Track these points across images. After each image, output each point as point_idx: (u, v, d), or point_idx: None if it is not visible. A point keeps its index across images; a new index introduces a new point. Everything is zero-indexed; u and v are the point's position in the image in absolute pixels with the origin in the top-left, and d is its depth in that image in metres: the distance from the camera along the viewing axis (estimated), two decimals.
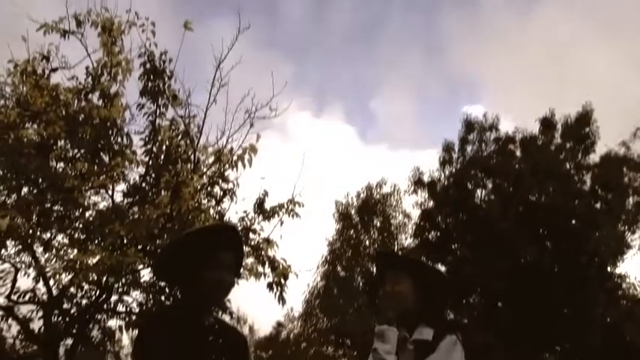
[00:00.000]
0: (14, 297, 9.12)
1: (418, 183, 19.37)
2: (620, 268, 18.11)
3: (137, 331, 1.84)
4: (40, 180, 8.20)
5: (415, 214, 19.68)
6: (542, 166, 17.68)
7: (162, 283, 10.22)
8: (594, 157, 18.72)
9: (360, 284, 18.62)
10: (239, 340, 2.04)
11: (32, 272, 8.63)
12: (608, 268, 18.27)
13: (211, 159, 8.43)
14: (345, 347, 18.40)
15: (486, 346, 14.33)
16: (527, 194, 17.74)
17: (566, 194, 17.12)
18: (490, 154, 19.09)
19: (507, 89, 51.31)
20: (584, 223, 16.48)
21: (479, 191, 18.83)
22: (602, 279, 17.29)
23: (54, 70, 8.70)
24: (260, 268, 8.03)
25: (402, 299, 2.20)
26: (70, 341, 10.57)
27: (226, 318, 9.46)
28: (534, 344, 16.10)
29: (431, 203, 19.00)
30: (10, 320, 10.13)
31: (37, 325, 10.38)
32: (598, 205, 18.06)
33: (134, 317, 9.11)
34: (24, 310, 10.08)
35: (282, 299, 7.88)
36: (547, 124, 19.11)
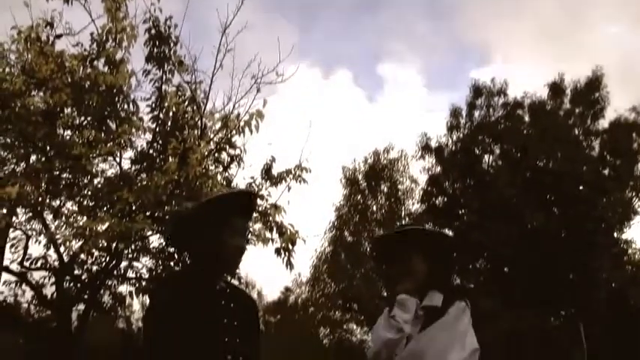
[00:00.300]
0: (26, 263, 9.27)
1: (426, 148, 19.29)
2: (627, 234, 18.12)
3: (151, 297, 1.82)
4: (48, 148, 8.23)
5: (422, 179, 19.68)
6: (551, 132, 17.54)
7: (172, 249, 10.37)
8: (603, 123, 18.54)
9: (367, 249, 18.75)
10: (250, 304, 2.06)
11: (43, 239, 8.74)
12: (615, 234, 18.29)
13: (218, 125, 8.41)
14: (352, 311, 18.62)
15: (492, 311, 14.47)
16: (534, 160, 17.65)
17: (574, 160, 17.01)
18: (498, 120, 18.94)
19: (516, 54, 50.56)
20: (592, 189, 16.42)
21: (486, 157, 18.76)
22: (609, 245, 17.33)
23: (58, 36, 8.63)
24: (268, 234, 8.09)
25: (416, 274, 2.19)
26: (82, 307, 10.80)
27: (235, 283, 9.58)
28: (540, 309, 16.24)
29: (438, 169, 18.96)
30: (23, 286, 10.34)
31: (49, 290, 10.58)
32: (606, 172, 17.96)
33: (144, 283, 9.24)
34: (36, 276, 10.26)
35: (289, 264, 7.96)
36: (556, 89, 18.87)
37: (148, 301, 1.91)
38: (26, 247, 9.30)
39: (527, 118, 19.33)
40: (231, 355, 1.83)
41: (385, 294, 17.53)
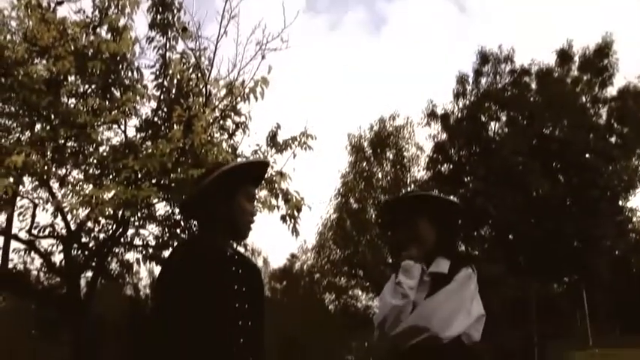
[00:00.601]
0: (34, 231, 9.36)
1: (431, 115, 19.16)
2: (632, 202, 18.09)
3: (165, 263, 1.82)
4: (53, 116, 8.21)
5: (428, 146, 19.58)
6: (558, 99, 17.35)
7: (181, 216, 10.44)
8: (612, 91, 18.30)
9: (373, 216, 18.80)
10: (255, 270, 2.08)
11: (50, 207, 8.80)
12: (620, 202, 18.27)
13: (223, 92, 8.33)
14: (357, 278, 18.79)
15: (496, 278, 14.58)
16: (541, 127, 17.52)
17: (581, 128, 16.87)
18: (505, 87, 18.73)
19: (524, 20, 49.74)
20: (598, 156, 16.33)
21: (492, 124, 18.62)
22: (613, 213, 17.33)
23: (59, 3, 8.52)
24: (273, 201, 8.11)
25: (423, 241, 2.20)
26: (90, 274, 10.95)
27: (240, 250, 9.67)
28: (543, 276, 16.35)
29: (444, 136, 18.86)
30: (32, 254, 10.47)
31: (58, 258, 10.72)
32: (613, 140, 17.83)
33: (151, 250, 9.33)
34: (45, 244, 10.38)
35: (295, 231, 8.01)
36: (564, 56, 18.58)
37: (160, 267, 1.92)
38: (34, 216, 9.38)
39: (534, 86, 19.12)
40: (242, 320, 1.85)
41: (390, 260, 17.67)
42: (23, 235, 9.59)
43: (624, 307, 16.70)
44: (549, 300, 15.45)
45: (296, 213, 7.92)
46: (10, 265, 10.37)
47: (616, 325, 15.96)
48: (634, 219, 19.21)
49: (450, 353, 2.03)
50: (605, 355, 11.24)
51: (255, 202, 2.07)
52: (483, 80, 18.92)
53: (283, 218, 8.04)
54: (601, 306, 15.76)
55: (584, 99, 18.43)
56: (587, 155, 16.55)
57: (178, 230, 9.98)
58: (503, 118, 18.88)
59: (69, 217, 8.58)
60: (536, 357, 12.96)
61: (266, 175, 8.15)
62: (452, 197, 2.40)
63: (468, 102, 18.82)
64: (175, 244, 8.62)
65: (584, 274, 16.44)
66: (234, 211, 1.94)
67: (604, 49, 17.96)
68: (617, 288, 16.35)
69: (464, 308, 2.05)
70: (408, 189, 18.05)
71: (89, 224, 9.16)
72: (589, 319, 13.77)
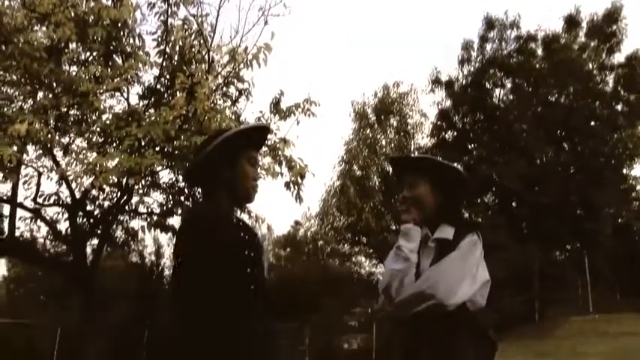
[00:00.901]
0: (40, 200, 9.42)
1: (436, 82, 19.00)
2: (636, 170, 18.04)
3: (186, 231, 1.83)
4: (54, 84, 8.16)
5: (432, 113, 19.42)
6: (564, 66, 17.15)
7: (186, 184, 10.47)
8: (619, 57, 18.05)
9: (376, 183, 18.81)
10: (258, 238, 2.09)
11: (54, 176, 8.83)
12: (624, 170, 18.23)
13: (226, 59, 8.27)
14: (361, 245, 18.91)
15: (499, 245, 14.67)
16: (546, 95, 17.36)
17: (587, 95, 16.73)
18: (510, 53, 18.51)
19: None
20: (603, 124, 16.22)
21: (497, 91, 18.47)
22: (617, 181, 17.30)
23: None
24: (277, 168, 8.12)
25: (422, 203, 2.17)
26: (95, 241, 11.06)
27: (244, 217, 9.75)
28: (546, 243, 16.44)
29: (448, 103, 18.74)
30: (38, 222, 10.56)
31: (63, 226, 10.82)
32: (619, 107, 17.68)
33: (155, 218, 9.39)
34: (50, 212, 10.47)
35: (299, 198, 8.04)
36: (571, 22, 18.28)
37: (177, 236, 1.92)
38: (38, 184, 9.42)
39: (540, 52, 18.88)
40: (254, 285, 1.88)
41: (393, 227, 17.75)
42: (29, 203, 9.67)
43: (625, 274, 16.82)
44: (551, 267, 15.56)
45: (299, 180, 7.94)
46: (17, 234, 10.48)
47: (616, 292, 16.08)
48: (638, 187, 19.21)
49: (455, 320, 2.05)
50: (605, 321, 11.37)
51: (259, 167, 2.07)
52: (489, 47, 18.70)
53: (287, 185, 8.06)
54: (602, 273, 15.86)
55: (590, 66, 18.20)
56: (592, 123, 16.44)
57: (182, 198, 10.03)
58: (509, 85, 18.71)
59: (73, 185, 8.61)
60: (537, 322, 13.11)
61: (269, 142, 8.16)
62: (455, 164, 2.39)
63: (472, 69, 18.64)
64: (180, 211, 8.65)
65: (586, 242, 16.51)
66: (238, 176, 1.95)
67: (613, 15, 17.64)
68: (619, 255, 16.44)
69: (469, 275, 2.05)
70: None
71: (94, 192, 9.21)
72: (590, 286, 13.87)
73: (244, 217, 9.68)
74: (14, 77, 8.98)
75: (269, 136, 7.93)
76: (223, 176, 1.94)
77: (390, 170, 19.35)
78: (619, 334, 9.92)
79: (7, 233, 10.32)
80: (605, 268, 15.99)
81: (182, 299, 1.78)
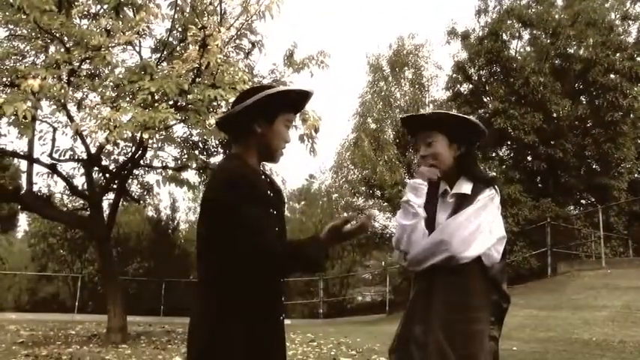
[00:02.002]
0: (55, 155, 9.51)
1: (452, 33, 18.58)
2: None
3: (228, 181, 1.84)
4: (66, 39, 8.09)
5: (448, 66, 19.01)
6: (584, 16, 16.65)
7: (196, 138, 10.48)
8: None
9: (391, 136, 18.66)
10: (282, 194, 2.12)
11: (69, 131, 8.88)
12: None
13: (238, 10, 8.11)
14: (375, 198, 18.94)
15: (513, 199, 14.65)
16: (565, 46, 16.92)
17: (608, 47, 16.27)
18: (528, 3, 17.98)
19: None
20: (624, 77, 15.84)
21: (514, 42, 18.02)
22: (635, 135, 17.04)
23: None
24: None
25: (440, 159, 2.16)
26: (112, 196, 11.21)
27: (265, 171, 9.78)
28: (561, 197, 16.38)
29: (464, 55, 18.34)
30: (55, 177, 10.70)
31: (79, 181, 10.97)
32: None
33: (170, 172, 9.46)
34: (66, 167, 10.61)
35: (313, 151, 8.03)
36: None
37: (209, 182, 1.96)
38: (54, 140, 9.51)
39: (559, 2, 18.31)
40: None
41: (408, 180, 17.66)
42: (45, 159, 9.78)
43: (639, 230, 16.78)
44: (565, 221, 15.55)
45: (314, 133, 7.91)
46: (35, 189, 10.64)
47: (629, 247, 16.08)
48: None
49: (469, 273, 2.06)
50: (616, 276, 11.42)
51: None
52: None
53: (301, 138, 8.04)
54: (616, 228, 15.83)
55: (613, 16, 17.64)
56: (612, 76, 16.05)
57: (197, 152, 10.07)
58: (526, 37, 18.25)
59: (88, 140, 8.66)
60: (549, 277, 13.20)
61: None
62: (472, 117, 2.34)
63: (489, 20, 18.16)
64: (195, 165, 8.68)
65: (600, 197, 16.42)
66: (272, 134, 1.95)
67: None
68: (634, 210, 16.36)
69: (485, 229, 2.06)
70: (427, 109, 17.78)
71: (108, 147, 9.26)
72: (603, 241, 13.86)
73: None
74: (24, 31, 8.94)
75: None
76: (256, 131, 1.94)
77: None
78: (629, 289, 9.97)
79: (25, 189, 10.49)
80: (619, 223, 15.95)
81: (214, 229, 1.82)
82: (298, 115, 8.09)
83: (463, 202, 2.10)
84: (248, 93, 1.98)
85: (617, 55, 16.33)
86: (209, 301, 1.83)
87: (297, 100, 2.05)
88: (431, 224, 2.15)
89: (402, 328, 2.18)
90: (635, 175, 17.41)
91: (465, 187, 2.13)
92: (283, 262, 1.80)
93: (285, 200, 2.20)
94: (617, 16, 17.70)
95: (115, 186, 10.57)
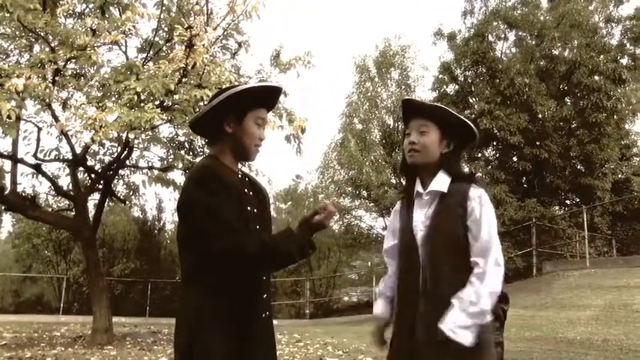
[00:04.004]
0: (40, 155, 9.40)
1: (438, 34, 18.70)
2: (638, 126, 17.96)
3: (200, 183, 1.83)
4: (51, 38, 8.01)
5: (434, 67, 19.14)
6: (569, 19, 16.84)
7: (182, 138, 10.43)
8: (628, 9, 17.70)
9: (377, 137, 18.74)
10: (264, 191, 2.09)
11: (54, 131, 8.79)
12: (626, 126, 18.15)
13: (224, 10, 8.09)
14: (361, 198, 19.00)
15: (499, 200, 14.76)
16: (550, 48, 17.11)
17: (592, 48, 16.47)
18: (514, 5, 18.16)
19: None
20: (607, 78, 16.04)
21: (500, 44, 18.21)
22: (619, 136, 17.25)
23: None
24: (277, 121, 8.08)
25: (428, 150, 2.15)
26: (97, 196, 11.11)
27: (244, 171, 9.76)
28: (546, 198, 16.54)
29: (451, 56, 18.47)
30: (40, 177, 10.58)
31: (65, 181, 10.86)
32: (624, 61, 17.44)
33: (156, 172, 9.39)
34: (51, 167, 10.49)
35: (299, 151, 8.05)
36: None
37: (183, 187, 1.92)
38: (38, 139, 9.39)
39: (544, 4, 18.51)
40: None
41: (393, 181, 17.78)
42: (29, 159, 9.66)
43: (623, 230, 16.99)
44: (550, 222, 15.70)
45: (300, 133, 7.91)
46: (20, 189, 10.51)
47: (613, 247, 16.27)
48: (639, 142, 19.18)
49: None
50: (601, 275, 11.55)
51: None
52: None
53: (287, 138, 8.05)
54: (600, 228, 16.02)
55: (596, 18, 17.86)
56: (596, 77, 16.25)
57: (183, 152, 10.01)
58: (512, 38, 18.46)
59: (73, 140, 8.58)
60: (534, 277, 13.32)
61: None
62: (469, 120, 2.33)
63: (475, 21, 18.30)
64: (181, 165, 8.65)
65: (585, 197, 16.61)
66: (243, 133, 1.94)
67: None
68: (617, 211, 16.56)
69: (475, 227, 2.07)
70: None
71: (94, 147, 9.19)
72: (587, 241, 14.02)
73: (245, 170, 9.70)
74: (8, 30, 8.83)
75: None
76: (227, 131, 1.93)
77: (391, 122, 19.29)
78: (613, 288, 10.09)
79: (9, 189, 10.36)
80: (603, 223, 16.14)
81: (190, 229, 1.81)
82: (285, 115, 8.14)
83: (440, 198, 2.11)
84: (217, 94, 1.97)
85: (601, 56, 16.54)
86: (190, 301, 1.82)
87: (266, 96, 2.03)
88: (407, 224, 2.16)
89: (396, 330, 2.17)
90: (619, 176, 17.63)
91: (442, 183, 2.12)
92: (256, 259, 1.78)
93: (270, 199, 2.17)
94: (601, 18, 17.94)
95: (100, 186, 10.47)
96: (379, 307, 2.29)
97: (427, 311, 2.01)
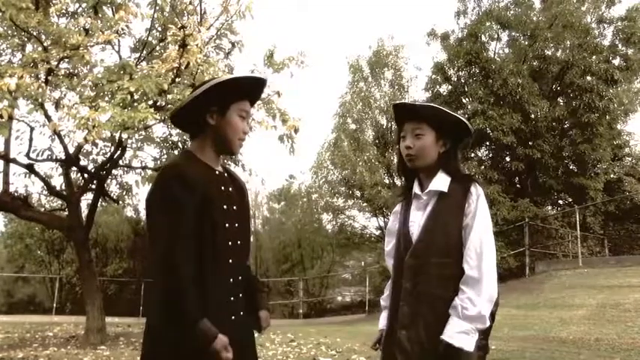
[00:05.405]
0: (33, 155, 9.36)
1: (431, 35, 18.75)
2: (630, 126, 18.07)
3: (159, 183, 1.79)
4: (43, 37, 7.98)
5: (428, 67, 19.18)
6: (561, 19, 16.92)
7: (176, 138, 10.42)
8: (620, 10, 17.79)
9: (370, 137, 18.78)
10: (243, 187, 2.04)
11: (47, 131, 8.75)
12: (618, 126, 18.25)
13: (218, 10, 8.08)
14: (354, 198, 19.03)
15: (492, 199, 14.81)
16: (543, 48, 17.19)
17: (584, 49, 16.56)
18: (507, 5, 18.23)
19: None
20: (600, 79, 16.13)
21: (493, 44, 18.27)
22: (611, 136, 17.35)
23: None
24: (271, 121, 8.09)
25: (425, 152, 2.13)
26: (90, 196, 11.07)
27: (238, 170, 9.76)
28: (539, 198, 16.62)
29: (444, 56, 18.52)
30: (32, 177, 10.53)
31: (57, 181, 10.81)
32: (616, 62, 17.53)
33: (149, 172, 9.37)
34: (44, 167, 10.44)
35: (292, 151, 8.05)
36: None
37: (150, 188, 1.88)
38: (31, 139, 9.34)
39: (537, 4, 18.58)
40: (231, 240, 1.86)
41: (387, 181, 17.82)
42: (22, 158, 9.61)
43: (615, 230, 17.10)
44: (543, 221, 15.77)
45: (293, 133, 7.92)
46: (12, 189, 10.46)
47: (605, 247, 16.38)
48: (631, 142, 19.29)
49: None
50: (593, 275, 11.61)
51: (250, 120, 2.01)
52: None
53: (281, 138, 8.05)
54: (592, 228, 16.12)
55: (589, 19, 17.95)
56: (588, 77, 16.33)
57: (176, 152, 9.99)
58: (505, 39, 18.52)
59: (66, 140, 8.56)
60: (527, 276, 13.38)
61: (263, 95, 8.09)
62: (463, 117, 2.31)
63: (468, 21, 18.35)
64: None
65: (577, 197, 16.69)
66: (226, 125, 1.89)
67: None
68: (609, 211, 16.66)
69: (472, 225, 2.07)
70: None
71: (87, 147, 9.15)
72: (580, 241, 14.10)
73: (238, 170, 9.70)
74: (1, 29, 8.78)
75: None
76: (209, 123, 1.88)
77: (384, 122, 19.30)
78: (605, 288, 10.15)
79: (1, 189, 10.31)
80: (595, 223, 16.22)
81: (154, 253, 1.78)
82: (278, 115, 8.14)
83: (440, 199, 2.10)
84: (199, 85, 1.93)
85: (594, 57, 16.63)
86: (154, 304, 1.83)
87: (250, 89, 1.98)
88: (404, 225, 2.15)
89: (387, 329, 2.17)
90: (611, 176, 17.73)
91: (442, 183, 2.11)
92: (162, 268, 1.71)
93: (245, 193, 2.05)
94: (593, 19, 18.03)
95: (93, 186, 10.44)
96: (382, 321, 2.27)
97: (419, 312, 2.01)
